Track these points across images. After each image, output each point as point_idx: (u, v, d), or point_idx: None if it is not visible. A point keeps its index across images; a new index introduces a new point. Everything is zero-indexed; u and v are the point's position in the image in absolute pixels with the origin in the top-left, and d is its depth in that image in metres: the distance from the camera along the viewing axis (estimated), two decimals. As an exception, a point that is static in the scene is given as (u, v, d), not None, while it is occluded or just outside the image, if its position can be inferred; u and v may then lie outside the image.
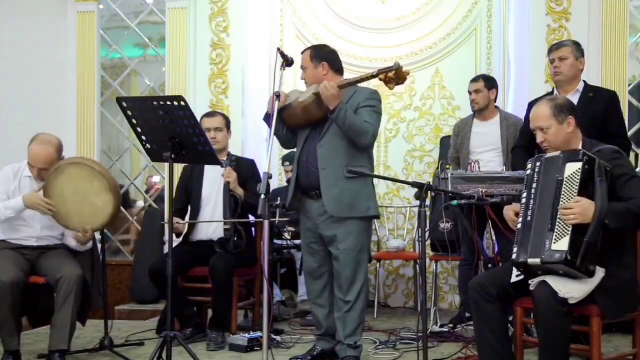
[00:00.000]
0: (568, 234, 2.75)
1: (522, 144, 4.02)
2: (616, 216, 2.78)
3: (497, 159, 4.63)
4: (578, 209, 2.75)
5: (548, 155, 2.98)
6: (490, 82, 4.73)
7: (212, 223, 4.35)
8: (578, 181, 2.80)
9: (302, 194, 3.67)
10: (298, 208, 3.72)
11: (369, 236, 3.70)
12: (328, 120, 3.53)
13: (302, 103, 3.57)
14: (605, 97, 3.93)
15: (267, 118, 3.66)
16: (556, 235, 2.78)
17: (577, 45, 3.97)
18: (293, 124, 3.66)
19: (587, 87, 3.94)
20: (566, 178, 2.83)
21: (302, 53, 3.72)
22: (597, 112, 3.76)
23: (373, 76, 3.40)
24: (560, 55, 3.89)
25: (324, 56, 3.68)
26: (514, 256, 2.90)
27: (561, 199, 2.81)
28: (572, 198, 2.79)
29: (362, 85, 3.65)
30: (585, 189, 2.79)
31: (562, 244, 2.75)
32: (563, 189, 2.82)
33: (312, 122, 3.61)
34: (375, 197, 3.67)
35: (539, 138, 3.04)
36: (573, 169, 2.82)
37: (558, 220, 2.79)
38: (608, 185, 2.82)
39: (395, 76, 3.32)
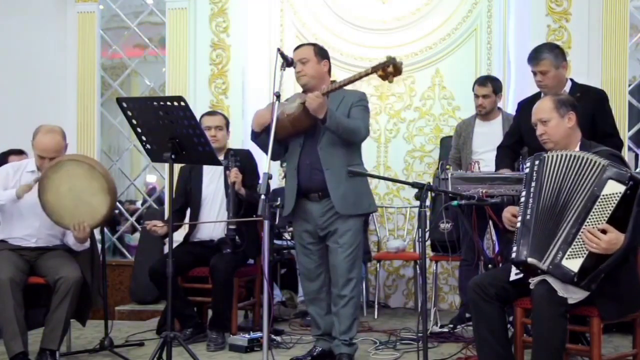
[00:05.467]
0: (583, 257, 2.71)
1: (508, 143, 4.02)
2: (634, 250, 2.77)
3: (499, 159, 4.62)
4: (604, 243, 2.67)
5: (577, 153, 2.87)
6: (497, 86, 4.74)
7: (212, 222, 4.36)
8: (614, 204, 2.71)
9: (300, 197, 3.66)
10: (297, 212, 3.70)
11: (364, 233, 3.75)
12: None
13: (291, 115, 3.57)
14: (593, 96, 3.85)
15: (254, 136, 3.67)
16: (571, 252, 2.74)
17: (555, 52, 3.79)
18: (284, 135, 3.62)
19: (574, 87, 3.86)
20: (603, 195, 2.73)
21: (301, 46, 3.74)
22: (585, 111, 3.67)
23: (367, 74, 3.41)
24: (541, 69, 3.76)
25: (326, 55, 3.73)
26: (513, 255, 2.89)
27: (590, 216, 2.73)
28: (602, 219, 2.71)
29: (350, 87, 3.65)
30: (618, 215, 2.71)
31: (573, 264, 2.71)
32: (595, 207, 2.73)
33: (303, 131, 3.62)
34: (371, 193, 3.78)
35: (539, 130, 3.04)
36: (614, 189, 2.71)
37: (579, 238, 2.74)
38: None
39: (393, 69, 3.34)
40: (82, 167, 3.69)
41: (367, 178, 3.73)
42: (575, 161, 2.84)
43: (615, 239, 2.68)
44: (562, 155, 2.89)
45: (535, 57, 3.80)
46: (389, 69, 3.33)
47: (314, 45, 3.77)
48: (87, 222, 3.68)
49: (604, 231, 2.70)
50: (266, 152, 3.57)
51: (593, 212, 2.74)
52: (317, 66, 3.65)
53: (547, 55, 3.77)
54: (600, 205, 2.73)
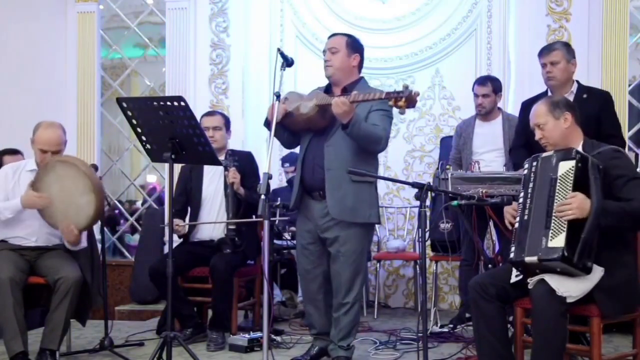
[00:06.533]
0: (564, 231, 2.76)
1: (519, 144, 4.03)
2: (609, 214, 2.78)
3: (500, 159, 4.63)
4: (575, 203, 2.75)
5: (544, 154, 2.99)
6: (497, 86, 4.74)
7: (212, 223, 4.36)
8: (572, 179, 2.81)
9: (305, 194, 3.61)
10: (302, 210, 3.65)
11: (369, 241, 3.66)
12: (336, 122, 3.43)
13: (304, 115, 3.49)
14: (599, 97, 3.91)
15: (268, 124, 3.61)
16: (552, 233, 2.78)
17: (567, 48, 3.91)
18: (296, 129, 3.59)
19: (580, 88, 3.91)
20: (560, 176, 2.84)
21: (335, 36, 3.63)
22: (591, 112, 3.71)
23: (380, 98, 3.28)
24: (552, 59, 3.83)
25: (359, 48, 3.62)
26: (512, 255, 2.91)
27: (555, 197, 2.82)
28: (566, 195, 2.79)
29: (374, 86, 3.57)
30: (580, 187, 2.79)
31: (558, 241, 2.75)
32: (557, 187, 2.83)
33: (315, 130, 3.54)
34: (377, 204, 3.61)
35: (537, 135, 3.06)
36: (566, 167, 2.84)
37: (553, 217, 2.80)
38: (605, 184, 2.82)
39: (405, 103, 3.18)
40: (70, 167, 3.70)
41: (375, 188, 3.61)
42: (546, 160, 2.93)
43: (582, 199, 2.76)
44: (545, 157, 2.96)
45: (548, 47, 3.93)
46: (400, 102, 3.17)
47: (348, 36, 3.63)
48: (75, 224, 3.68)
49: (573, 198, 2.77)
50: (278, 139, 3.55)
51: (557, 193, 2.82)
52: (346, 59, 3.55)
53: (560, 46, 3.90)
54: (560, 185, 2.83)
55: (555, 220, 2.79)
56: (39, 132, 3.80)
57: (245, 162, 4.37)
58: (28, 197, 3.69)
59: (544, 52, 3.89)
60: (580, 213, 2.75)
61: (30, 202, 3.69)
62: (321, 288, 3.66)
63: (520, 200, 2.99)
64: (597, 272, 2.81)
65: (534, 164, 3.00)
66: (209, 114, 4.59)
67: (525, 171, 3.03)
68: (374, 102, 3.44)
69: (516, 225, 2.96)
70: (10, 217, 3.74)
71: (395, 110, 3.33)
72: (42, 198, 3.68)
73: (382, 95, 3.26)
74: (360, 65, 3.63)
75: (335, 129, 3.47)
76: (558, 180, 2.84)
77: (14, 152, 4.98)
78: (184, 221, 4.44)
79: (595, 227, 2.76)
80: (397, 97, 3.17)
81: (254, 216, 4.31)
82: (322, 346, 3.70)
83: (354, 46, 3.59)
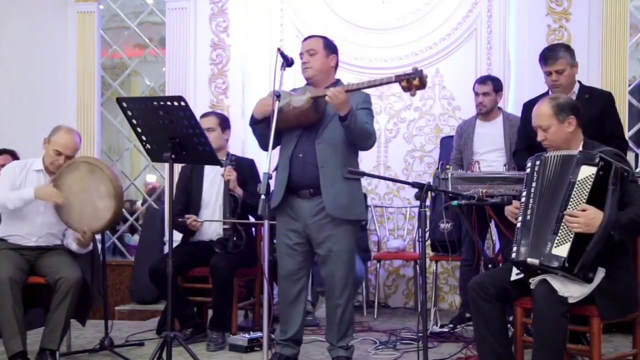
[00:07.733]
0: (569, 241, 2.74)
1: (523, 146, 4.01)
2: (622, 229, 2.77)
3: (501, 159, 4.63)
4: (583, 218, 2.73)
5: (554, 153, 2.96)
6: (498, 85, 4.75)
7: (212, 223, 4.36)
8: (590, 186, 2.77)
9: (289, 193, 3.52)
10: (284, 209, 3.55)
11: (357, 239, 3.67)
12: (325, 118, 3.45)
13: (297, 109, 3.43)
14: (601, 97, 3.90)
15: (253, 122, 3.56)
16: (558, 240, 2.77)
17: (569, 52, 3.86)
18: (283, 127, 3.49)
19: (582, 89, 3.90)
20: (579, 181, 2.79)
21: (311, 38, 3.63)
22: (593, 113, 3.71)
23: (390, 82, 3.25)
24: (557, 68, 3.79)
25: (334, 50, 3.62)
26: (513, 255, 2.91)
27: (570, 203, 2.79)
28: (581, 203, 2.77)
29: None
30: (596, 195, 2.76)
31: (562, 250, 2.74)
32: (573, 192, 2.79)
33: (305, 126, 3.49)
34: (365, 202, 3.65)
35: (540, 136, 3.04)
36: (587, 172, 2.79)
37: (562, 224, 2.78)
38: (619, 191, 2.79)
39: (419, 82, 3.15)
40: (94, 169, 3.75)
41: (361, 185, 3.62)
42: (565, 160, 2.90)
43: (593, 214, 2.73)
44: (558, 156, 2.93)
45: (552, 56, 3.83)
46: (415, 82, 3.14)
47: (324, 38, 3.63)
48: (89, 226, 3.71)
49: (584, 211, 2.75)
50: (260, 141, 3.52)
51: (572, 199, 2.79)
52: (325, 60, 3.54)
53: (564, 54, 3.82)
54: (577, 190, 2.79)
55: (564, 228, 2.77)
56: (59, 134, 3.84)
57: (246, 169, 4.38)
58: (44, 189, 3.70)
59: (549, 61, 3.81)
60: (587, 229, 2.73)
61: (44, 194, 3.69)
62: (303, 291, 3.60)
63: (523, 199, 2.98)
64: (599, 273, 2.81)
65: (537, 163, 2.98)
66: (203, 115, 4.56)
67: (528, 170, 3.01)
68: (359, 101, 3.46)
69: (518, 224, 2.95)
70: (20, 206, 3.72)
71: (391, 96, 3.28)
72: (58, 195, 3.69)
73: (391, 78, 3.24)
74: (336, 67, 3.64)
75: (324, 126, 3.46)
76: (576, 185, 2.79)
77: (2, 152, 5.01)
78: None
79: (601, 243, 2.74)
80: (411, 78, 3.15)
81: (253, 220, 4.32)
82: (289, 354, 3.63)
83: (331, 47, 3.60)
